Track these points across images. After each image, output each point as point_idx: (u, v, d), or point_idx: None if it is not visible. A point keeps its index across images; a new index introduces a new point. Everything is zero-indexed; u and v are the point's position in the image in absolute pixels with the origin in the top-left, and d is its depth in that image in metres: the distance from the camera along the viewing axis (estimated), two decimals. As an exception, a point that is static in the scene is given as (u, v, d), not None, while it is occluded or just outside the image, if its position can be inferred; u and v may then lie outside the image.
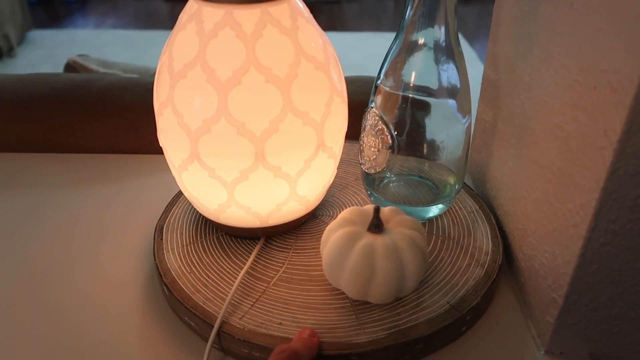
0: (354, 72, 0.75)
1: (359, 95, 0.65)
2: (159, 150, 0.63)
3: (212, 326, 0.39)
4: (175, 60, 0.39)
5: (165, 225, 0.49)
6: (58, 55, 2.77)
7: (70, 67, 1.14)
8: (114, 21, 3.41)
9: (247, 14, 0.37)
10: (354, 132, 0.52)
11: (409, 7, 0.42)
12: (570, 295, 0.36)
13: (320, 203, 0.49)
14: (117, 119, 0.64)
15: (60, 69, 1.15)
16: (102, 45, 2.98)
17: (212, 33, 0.37)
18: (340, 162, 0.48)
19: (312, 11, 0.42)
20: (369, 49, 2.92)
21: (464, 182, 0.52)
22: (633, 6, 0.28)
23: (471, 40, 2.98)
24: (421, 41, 0.43)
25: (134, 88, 0.66)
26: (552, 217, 0.38)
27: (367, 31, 3.26)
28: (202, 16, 0.38)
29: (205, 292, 0.42)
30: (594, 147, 0.32)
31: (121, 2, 3.79)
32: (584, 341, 0.39)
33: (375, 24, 3.40)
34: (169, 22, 3.38)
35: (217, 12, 0.37)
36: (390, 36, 0.42)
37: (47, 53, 2.86)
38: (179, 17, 0.40)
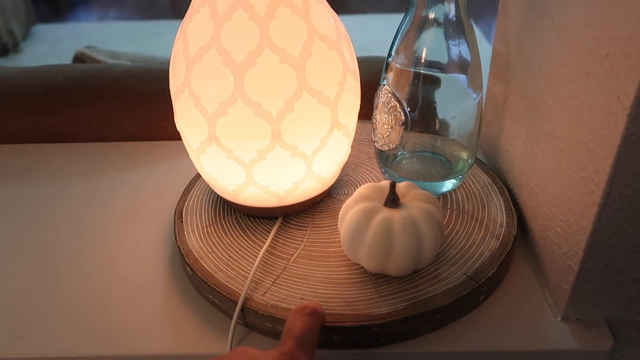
0: (359, 55, 0.75)
1: (368, 75, 0.65)
2: (173, 136, 0.64)
3: (236, 303, 0.40)
4: (191, 44, 0.40)
5: (184, 208, 0.50)
6: (63, 49, 2.78)
7: (79, 58, 1.15)
8: (117, 13, 3.41)
9: (260, -5, 0.38)
10: (365, 112, 0.52)
11: (418, -17, 0.43)
12: (585, 262, 0.37)
13: (335, 181, 0.50)
14: (130, 107, 0.65)
15: (66, 63, 1.16)
16: (106, 38, 2.98)
17: (225, 16, 0.38)
18: (353, 141, 0.49)
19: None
20: (373, 31, 2.89)
21: (477, 157, 0.53)
22: (644, -29, 0.29)
23: (476, 19, 2.95)
24: (431, 16, 0.43)
25: (145, 75, 0.67)
26: (567, 186, 0.39)
27: (370, 13, 3.24)
28: (216, -1, 0.38)
29: (227, 270, 0.43)
30: (607, 113, 0.33)
31: (123, -6, 3.78)
32: (600, 307, 0.40)
33: (378, 6, 3.37)
34: (171, 12, 3.37)
35: (230, -6, 0.38)
36: (393, 17, 0.42)
37: (52, 47, 2.87)
38: (192, 1, 0.41)
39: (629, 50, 0.30)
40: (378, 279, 0.41)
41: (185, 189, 0.53)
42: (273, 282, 0.41)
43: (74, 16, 3.38)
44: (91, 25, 3.22)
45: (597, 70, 0.34)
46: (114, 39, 2.96)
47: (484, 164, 0.54)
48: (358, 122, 0.50)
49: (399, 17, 0.45)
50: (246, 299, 0.40)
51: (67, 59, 1.18)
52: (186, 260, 0.44)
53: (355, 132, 0.50)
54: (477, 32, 2.72)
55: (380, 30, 2.85)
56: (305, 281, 0.41)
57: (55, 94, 0.65)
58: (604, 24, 0.33)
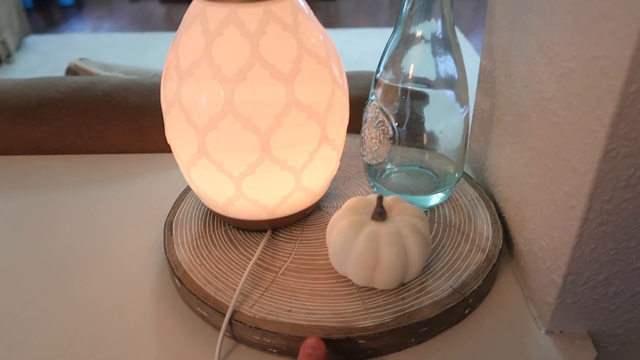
0: (352, 68, 0.76)
1: (358, 90, 0.66)
2: (164, 149, 0.65)
3: (224, 315, 0.40)
4: (182, 59, 0.40)
5: (174, 221, 0.50)
6: (56, 60, 2.78)
7: (72, 71, 1.15)
8: (111, 25, 3.42)
9: (251, 12, 0.38)
10: (354, 126, 0.53)
11: (406, 1, 0.44)
12: (568, 275, 0.38)
13: (324, 194, 0.51)
14: (122, 120, 0.65)
15: (59, 74, 1.16)
16: (100, 49, 2.99)
17: (217, 32, 0.39)
18: (342, 155, 0.50)
19: (308, 9, 0.43)
20: (366, 45, 2.92)
21: (464, 171, 0.54)
22: (621, -6, 0.30)
23: (467, 33, 2.99)
24: (419, 34, 0.44)
25: (138, 89, 0.67)
26: (550, 200, 0.39)
27: (363, 27, 3.27)
28: (207, 15, 0.39)
29: (216, 283, 0.43)
30: (587, 130, 0.34)
31: (117, 6, 3.80)
32: (584, 320, 0.40)
33: (371, 20, 3.41)
34: (165, 24, 3.39)
35: (222, 11, 0.38)
36: (386, 32, 0.43)
37: (45, 58, 2.87)
38: (184, 17, 0.42)
39: (608, 69, 0.31)
40: (365, 291, 0.42)
41: (175, 202, 0.53)
42: (261, 294, 0.42)
43: (68, 27, 3.39)
44: (85, 37, 3.23)
45: (577, 88, 0.35)
46: (108, 51, 2.96)
47: (471, 178, 0.55)
48: (348, 135, 0.51)
49: (391, 31, 0.46)
50: (234, 311, 0.40)
51: (61, 70, 1.18)
52: (175, 272, 0.44)
53: (345, 145, 0.51)
54: (469, 46, 2.76)
55: (373, 44, 2.88)
56: (293, 294, 0.42)
57: (48, 106, 0.65)
58: (584, 44, 0.34)
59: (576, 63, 0.35)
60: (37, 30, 3.28)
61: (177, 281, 0.44)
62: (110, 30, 3.33)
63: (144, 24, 3.42)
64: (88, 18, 3.56)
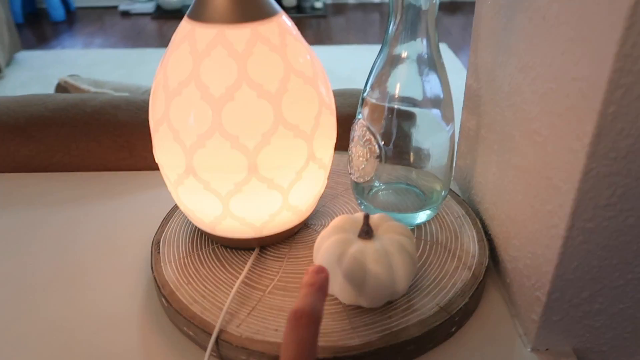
0: (343, 85, 0.77)
1: (346, 108, 0.67)
2: (153, 167, 0.64)
3: (211, 335, 0.40)
4: (170, 78, 0.41)
5: (162, 239, 0.50)
6: (47, 76, 2.78)
7: (62, 87, 1.15)
8: (102, 41, 3.43)
9: (238, 33, 0.39)
10: (342, 144, 0.54)
11: (392, 22, 0.44)
12: (552, 293, 0.38)
13: (312, 213, 0.51)
14: (111, 137, 0.66)
15: (49, 90, 1.16)
16: (91, 65, 2.99)
17: (205, 52, 0.39)
18: (330, 173, 0.50)
19: (299, 26, 0.44)
20: (357, 62, 2.95)
21: (451, 189, 0.54)
22: (598, 17, 0.31)
23: (456, 51, 3.02)
24: (404, 54, 0.45)
25: (127, 106, 0.68)
26: (534, 218, 0.40)
27: (354, 44, 3.30)
28: (195, 36, 0.40)
29: (203, 302, 0.43)
30: (568, 150, 0.34)
31: (109, 22, 3.81)
32: (568, 337, 0.41)
33: (361, 37, 3.44)
34: (157, 41, 3.40)
35: (210, 32, 0.39)
36: (376, 48, 0.44)
37: (36, 74, 2.87)
38: (173, 37, 0.42)
39: (587, 91, 0.32)
40: (352, 310, 0.42)
41: (163, 220, 0.53)
42: (248, 313, 0.42)
43: (59, 43, 3.39)
44: (76, 53, 3.23)
45: (558, 108, 0.36)
46: (99, 66, 2.97)
47: (458, 195, 0.56)
48: (336, 153, 0.51)
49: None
50: (221, 331, 0.40)
51: (51, 86, 1.18)
52: (162, 291, 0.44)
53: (333, 163, 0.51)
54: (458, 64, 2.79)
55: (364, 61, 2.90)
56: (281, 312, 0.42)
57: (36, 124, 0.65)
58: (564, 65, 0.35)
59: (557, 84, 0.36)
60: (28, 46, 3.28)
61: (163, 300, 0.44)
62: (101, 46, 3.33)
63: (136, 40, 3.43)
64: (79, 34, 3.57)
